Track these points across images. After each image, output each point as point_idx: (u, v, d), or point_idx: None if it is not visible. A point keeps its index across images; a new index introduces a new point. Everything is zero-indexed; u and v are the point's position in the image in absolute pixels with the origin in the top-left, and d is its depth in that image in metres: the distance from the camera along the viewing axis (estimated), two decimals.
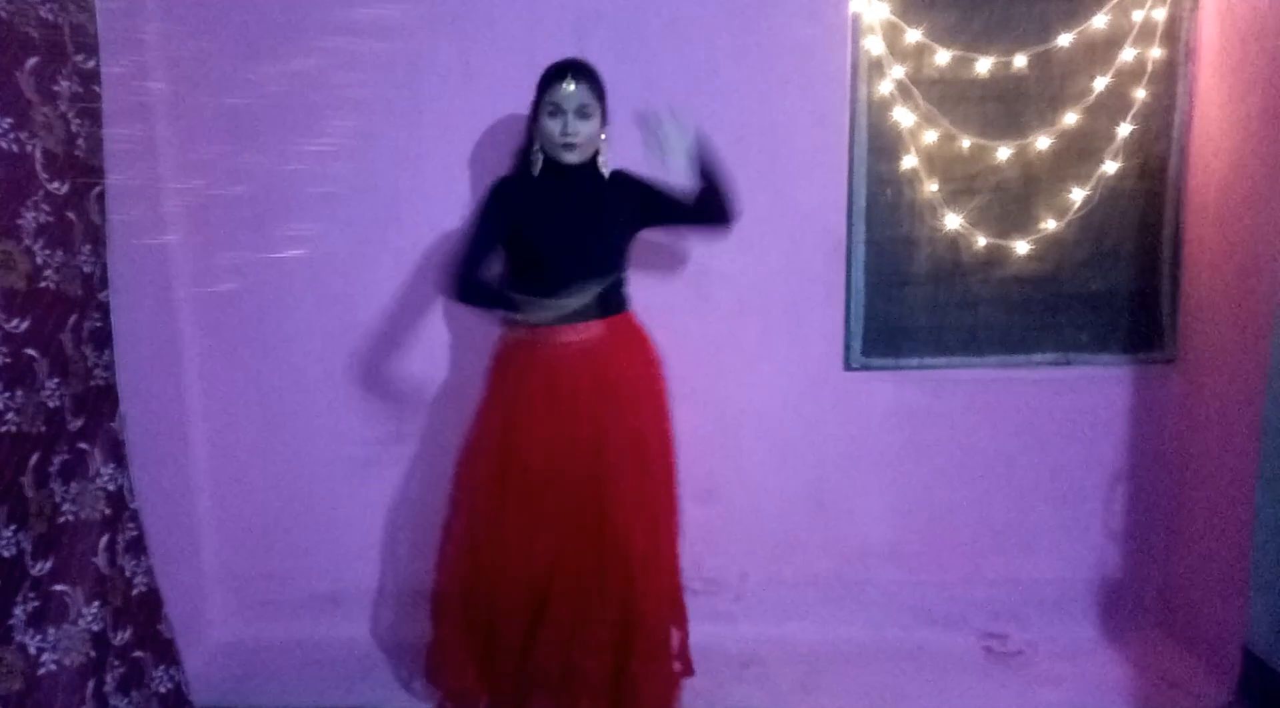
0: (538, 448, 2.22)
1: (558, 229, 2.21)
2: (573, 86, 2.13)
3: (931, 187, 2.68)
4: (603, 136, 2.24)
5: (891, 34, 2.61)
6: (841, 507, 2.87)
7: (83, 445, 2.02)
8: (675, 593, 2.45)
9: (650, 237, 2.43)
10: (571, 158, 2.19)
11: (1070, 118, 2.64)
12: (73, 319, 1.95)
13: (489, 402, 2.37)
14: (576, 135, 2.15)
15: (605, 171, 2.27)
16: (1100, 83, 2.62)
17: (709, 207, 2.25)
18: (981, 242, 2.70)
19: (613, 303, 2.28)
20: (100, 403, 2.08)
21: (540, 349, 2.25)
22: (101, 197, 2.09)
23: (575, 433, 2.22)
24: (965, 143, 2.66)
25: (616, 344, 2.28)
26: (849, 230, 2.72)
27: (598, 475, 2.22)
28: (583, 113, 2.15)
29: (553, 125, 2.15)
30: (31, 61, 1.82)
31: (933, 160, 2.68)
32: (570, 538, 2.23)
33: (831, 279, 2.75)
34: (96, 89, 2.07)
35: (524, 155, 2.29)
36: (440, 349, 2.80)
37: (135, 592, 2.19)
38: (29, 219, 1.81)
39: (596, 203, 2.25)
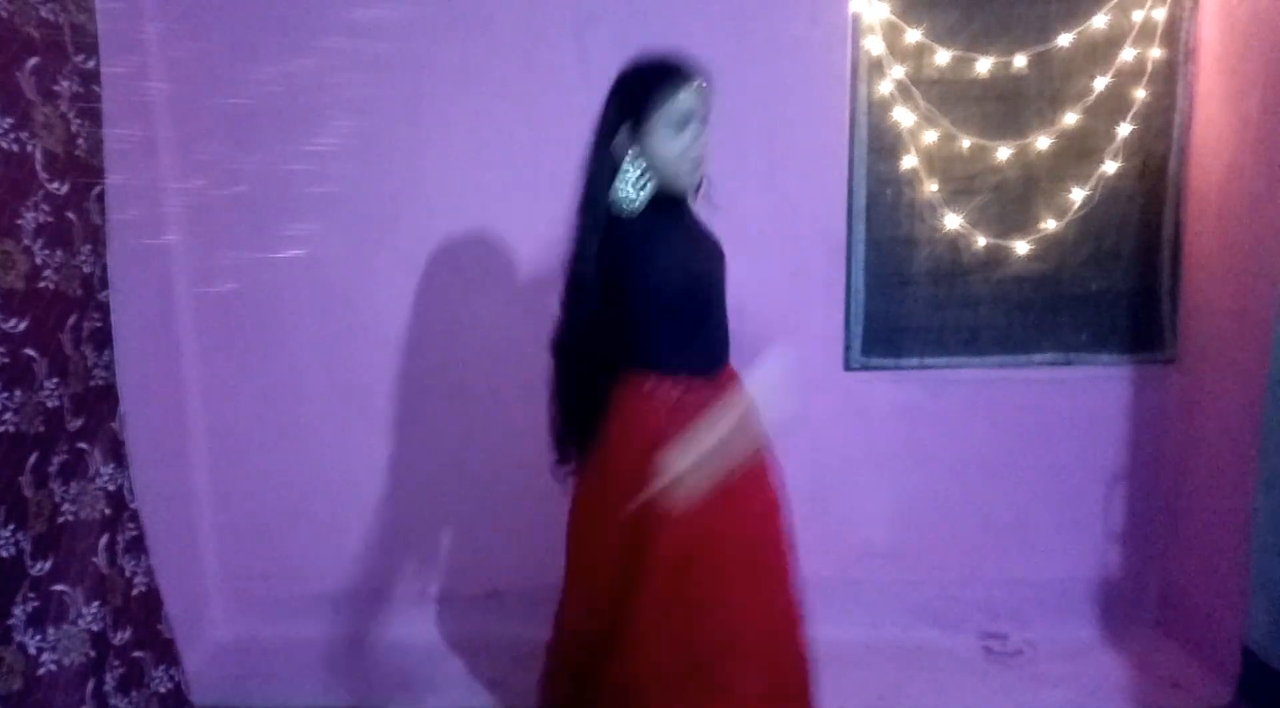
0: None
1: (705, 260, 1.82)
2: (704, 91, 1.69)
3: (931, 187, 2.68)
4: None
5: (891, 34, 2.61)
6: (841, 507, 2.87)
7: (82, 445, 2.02)
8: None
9: None
10: (695, 181, 1.76)
11: (1070, 118, 2.63)
12: (72, 319, 1.96)
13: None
14: (704, 148, 1.72)
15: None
16: (1100, 83, 2.61)
17: None
18: (981, 242, 2.70)
19: None
20: (100, 403, 2.08)
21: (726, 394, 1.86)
22: (101, 197, 2.09)
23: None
24: (965, 143, 2.66)
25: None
26: (849, 230, 2.72)
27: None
28: (705, 122, 1.72)
29: (678, 142, 1.67)
30: (32, 61, 1.82)
31: (933, 160, 2.68)
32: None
33: (831, 279, 2.75)
34: (96, 89, 2.07)
35: (602, 194, 1.71)
36: (439, 347, 2.80)
37: (135, 592, 2.19)
38: (29, 219, 1.81)
39: (712, 240, 1.88)
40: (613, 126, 1.69)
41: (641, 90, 1.66)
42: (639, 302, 1.71)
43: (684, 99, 1.65)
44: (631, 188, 1.70)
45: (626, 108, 1.68)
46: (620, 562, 1.79)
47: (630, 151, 1.69)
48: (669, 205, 1.76)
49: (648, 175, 1.70)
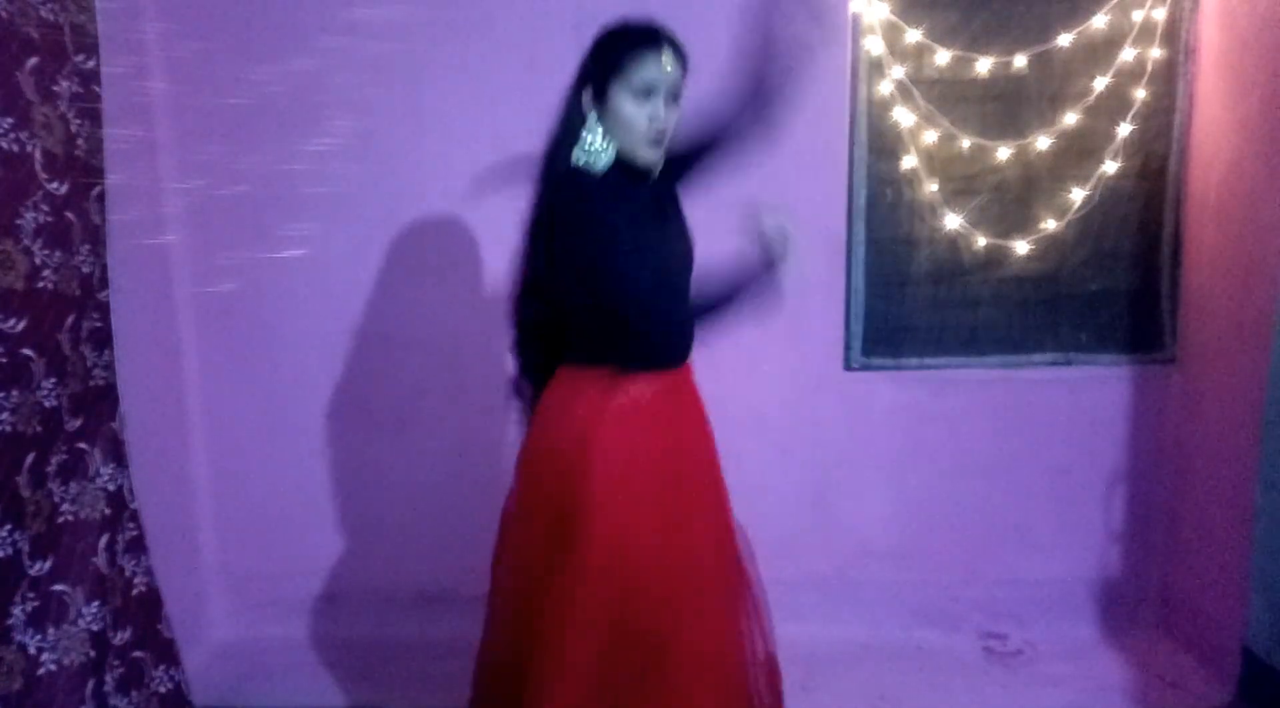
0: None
1: (673, 245, 1.75)
2: (670, 63, 1.59)
3: (931, 187, 2.68)
4: None
5: (891, 34, 2.61)
6: (841, 507, 2.87)
7: (82, 445, 2.02)
8: None
9: None
10: (655, 156, 1.65)
11: (1070, 118, 2.63)
12: (71, 319, 1.96)
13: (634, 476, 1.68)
14: (669, 125, 1.64)
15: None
16: (1100, 83, 2.61)
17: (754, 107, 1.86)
18: (981, 242, 2.70)
19: None
20: (100, 403, 2.08)
21: (684, 393, 1.80)
22: (101, 197, 2.09)
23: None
24: (965, 143, 2.66)
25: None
26: (849, 230, 2.72)
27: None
28: (674, 98, 1.63)
29: (638, 112, 1.58)
30: (32, 62, 1.82)
31: (933, 160, 2.68)
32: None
33: (831, 279, 2.75)
34: (96, 89, 2.07)
35: (564, 151, 1.65)
36: (439, 347, 2.80)
37: (135, 592, 2.19)
38: (28, 219, 1.81)
39: (678, 206, 1.81)
40: (579, 87, 1.64)
41: (607, 53, 1.60)
42: (605, 281, 1.57)
43: (645, 67, 1.56)
44: (593, 149, 1.63)
45: (591, 70, 1.62)
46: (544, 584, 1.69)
47: (591, 115, 1.63)
48: (633, 177, 1.67)
49: (607, 140, 1.63)
